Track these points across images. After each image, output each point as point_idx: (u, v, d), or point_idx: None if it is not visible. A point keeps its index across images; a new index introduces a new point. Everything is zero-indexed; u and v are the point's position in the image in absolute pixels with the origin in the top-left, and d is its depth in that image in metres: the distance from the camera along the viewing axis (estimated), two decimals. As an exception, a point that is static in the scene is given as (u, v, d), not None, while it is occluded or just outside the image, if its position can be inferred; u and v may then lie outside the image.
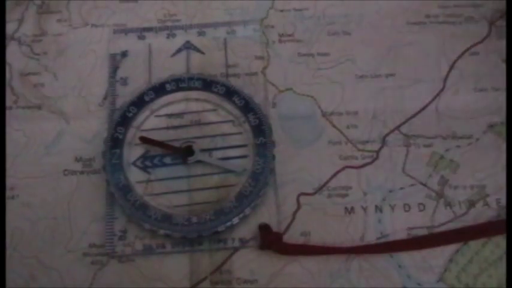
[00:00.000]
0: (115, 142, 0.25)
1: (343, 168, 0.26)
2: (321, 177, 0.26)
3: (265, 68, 0.28)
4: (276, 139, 0.26)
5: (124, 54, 0.28)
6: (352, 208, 0.25)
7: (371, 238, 0.25)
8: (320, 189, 0.26)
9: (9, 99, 0.27)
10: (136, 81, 0.27)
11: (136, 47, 0.28)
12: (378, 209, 0.25)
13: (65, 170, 0.26)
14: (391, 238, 0.25)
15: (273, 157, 0.25)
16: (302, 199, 0.25)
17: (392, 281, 0.24)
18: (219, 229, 0.24)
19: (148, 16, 0.29)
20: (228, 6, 0.29)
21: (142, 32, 0.28)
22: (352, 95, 0.27)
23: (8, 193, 0.25)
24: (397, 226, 0.25)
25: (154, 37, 0.28)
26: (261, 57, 0.28)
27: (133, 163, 0.25)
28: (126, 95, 0.27)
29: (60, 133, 0.26)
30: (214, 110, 0.26)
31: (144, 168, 0.25)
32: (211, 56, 0.28)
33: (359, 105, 0.27)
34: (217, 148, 0.26)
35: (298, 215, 0.25)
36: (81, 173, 0.26)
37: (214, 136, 0.26)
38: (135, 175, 0.25)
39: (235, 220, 0.24)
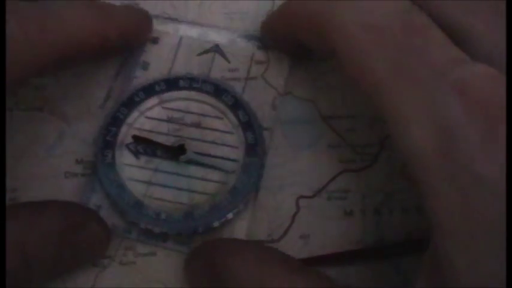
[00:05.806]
0: (115, 120, 0.26)
1: (342, 172, 0.26)
2: (320, 180, 0.26)
3: (265, 72, 0.28)
4: (276, 143, 0.26)
5: (154, 40, 0.28)
6: (351, 211, 0.26)
7: (369, 241, 0.25)
8: (319, 192, 0.26)
9: (10, 101, 0.27)
10: (157, 69, 0.27)
11: (168, 37, 0.28)
12: (377, 212, 0.25)
13: (66, 173, 0.26)
14: (389, 241, 0.25)
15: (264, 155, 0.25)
16: (301, 202, 0.26)
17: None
18: (187, 228, 0.24)
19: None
20: (228, 9, 0.29)
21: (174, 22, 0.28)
22: (352, 99, 0.27)
23: (9, 195, 0.25)
24: (396, 229, 0.25)
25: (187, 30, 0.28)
26: (261, 62, 0.28)
27: (127, 144, 0.26)
28: (142, 78, 0.27)
29: (60, 135, 0.26)
30: (220, 118, 0.26)
31: (135, 153, 0.26)
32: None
33: (358, 109, 0.27)
34: (211, 155, 0.26)
35: (297, 217, 0.25)
36: (82, 175, 0.26)
37: (211, 142, 0.26)
38: (124, 156, 0.25)
39: (216, 224, 0.24)
